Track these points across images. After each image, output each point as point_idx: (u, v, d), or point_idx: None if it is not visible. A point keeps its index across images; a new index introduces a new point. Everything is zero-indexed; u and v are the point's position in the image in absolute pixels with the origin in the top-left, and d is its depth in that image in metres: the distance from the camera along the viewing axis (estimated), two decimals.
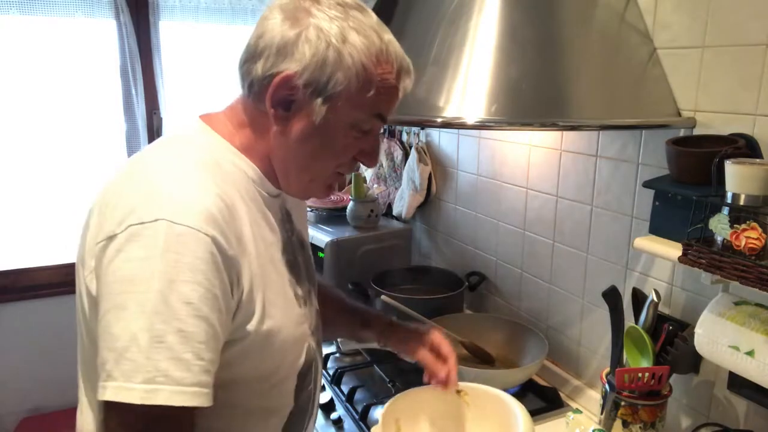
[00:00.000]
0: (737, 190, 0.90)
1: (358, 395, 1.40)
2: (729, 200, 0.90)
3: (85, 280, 0.70)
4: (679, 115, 1.11)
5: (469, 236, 1.84)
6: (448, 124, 1.05)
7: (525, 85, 1.03)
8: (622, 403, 1.11)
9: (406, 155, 2.08)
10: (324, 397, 1.40)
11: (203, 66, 2.36)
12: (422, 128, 1.99)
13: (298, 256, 0.90)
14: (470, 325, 1.58)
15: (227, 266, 0.69)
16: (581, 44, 1.10)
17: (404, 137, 2.12)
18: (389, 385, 1.43)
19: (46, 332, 2.32)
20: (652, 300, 1.12)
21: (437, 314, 1.56)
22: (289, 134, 0.77)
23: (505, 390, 1.08)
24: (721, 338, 0.94)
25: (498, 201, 1.68)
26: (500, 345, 1.54)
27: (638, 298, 1.18)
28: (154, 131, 2.33)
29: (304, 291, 0.89)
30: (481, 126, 1.03)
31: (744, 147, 0.97)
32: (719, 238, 0.91)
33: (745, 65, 1.00)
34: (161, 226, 0.65)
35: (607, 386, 1.15)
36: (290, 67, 0.72)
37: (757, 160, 0.95)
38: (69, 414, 0.86)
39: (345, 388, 1.43)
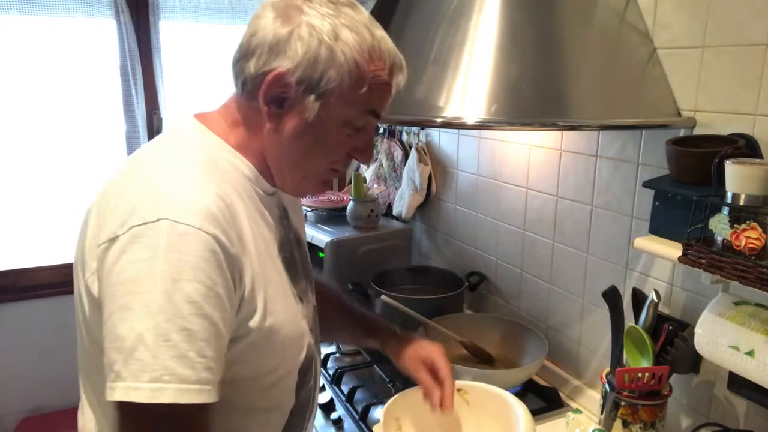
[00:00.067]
0: (737, 190, 0.90)
1: (358, 395, 1.40)
2: (729, 200, 0.91)
3: (86, 281, 0.70)
4: (679, 115, 1.11)
5: (469, 236, 1.84)
6: (448, 124, 1.05)
7: (525, 85, 1.03)
8: (622, 403, 1.11)
9: (406, 155, 2.08)
10: (324, 397, 1.40)
11: (203, 66, 2.36)
12: (422, 128, 1.99)
13: (295, 254, 0.90)
14: (470, 325, 1.58)
15: (230, 264, 0.69)
16: (581, 44, 1.10)
17: (404, 137, 2.12)
18: (389, 385, 1.43)
19: (46, 332, 2.32)
20: (652, 300, 1.12)
21: (437, 314, 1.55)
22: (282, 131, 0.77)
23: (506, 390, 1.08)
24: (721, 338, 0.94)
25: (498, 201, 1.68)
26: (500, 345, 1.54)
27: (638, 298, 1.18)
28: (154, 131, 2.33)
29: (302, 288, 0.89)
30: (481, 126, 1.03)
31: (744, 147, 0.97)
32: (719, 238, 0.91)
33: (745, 65, 1.00)
34: (164, 226, 0.65)
35: (607, 386, 1.15)
36: (283, 64, 0.73)
37: (757, 160, 0.95)
38: (69, 414, 0.86)
39: (345, 388, 1.43)
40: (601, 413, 1.16)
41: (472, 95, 1.01)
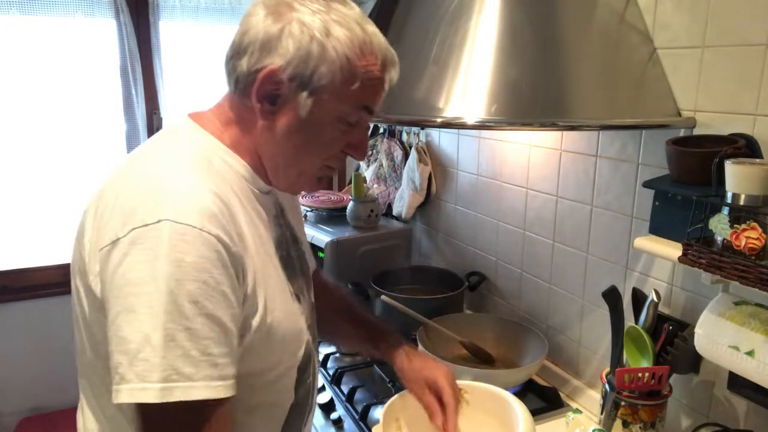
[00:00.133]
0: (737, 190, 0.90)
1: (358, 395, 1.40)
2: (729, 200, 0.91)
3: (90, 284, 0.70)
4: (679, 115, 1.11)
5: (469, 236, 1.84)
6: (448, 124, 1.05)
7: (525, 85, 1.03)
8: (622, 403, 1.11)
9: (406, 155, 2.08)
10: (324, 397, 1.40)
11: (203, 66, 2.37)
12: (422, 128, 1.99)
13: (291, 252, 0.90)
14: (470, 325, 1.58)
15: (233, 263, 0.70)
16: (581, 44, 1.10)
17: (404, 137, 2.12)
18: (389, 385, 1.43)
19: (46, 332, 2.32)
20: (652, 300, 1.12)
21: (437, 314, 1.55)
22: (275, 129, 0.77)
23: (506, 390, 1.08)
24: (721, 338, 0.94)
25: (498, 201, 1.68)
26: (500, 345, 1.54)
27: (638, 298, 1.18)
28: (153, 131, 2.33)
29: (299, 286, 0.89)
30: (481, 126, 1.03)
31: (744, 147, 0.97)
32: (719, 238, 0.91)
33: (745, 65, 1.00)
34: (165, 227, 0.65)
35: (607, 386, 1.15)
36: (274, 61, 0.73)
37: (757, 160, 0.95)
38: (69, 414, 0.86)
39: (345, 388, 1.43)
40: (601, 413, 1.16)
41: (472, 95, 1.01)
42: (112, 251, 0.67)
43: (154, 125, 2.34)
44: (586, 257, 1.39)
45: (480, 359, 1.49)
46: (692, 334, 1.01)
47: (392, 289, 1.71)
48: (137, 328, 0.64)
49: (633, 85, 1.11)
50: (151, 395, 0.63)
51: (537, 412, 1.31)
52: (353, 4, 0.78)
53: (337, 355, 1.63)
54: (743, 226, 0.87)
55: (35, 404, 2.37)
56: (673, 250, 0.99)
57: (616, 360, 1.15)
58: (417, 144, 2.00)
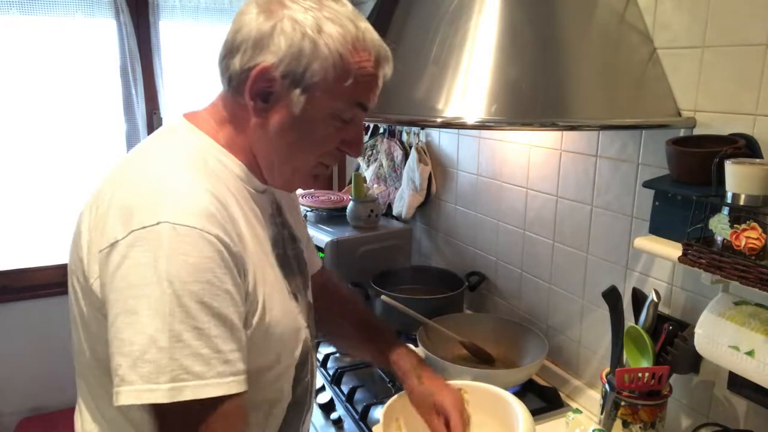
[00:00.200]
0: (737, 190, 0.90)
1: (358, 395, 1.40)
2: (729, 200, 0.90)
3: (91, 286, 0.70)
4: (679, 115, 1.11)
5: (469, 236, 1.84)
6: (448, 124, 1.05)
7: (525, 85, 1.03)
8: (622, 403, 1.11)
9: (406, 155, 2.08)
10: (324, 397, 1.40)
11: (203, 66, 2.37)
12: (422, 128, 1.99)
13: (288, 251, 0.90)
14: (470, 325, 1.58)
15: (234, 262, 0.70)
16: (581, 44, 1.10)
17: (404, 137, 2.12)
18: (389, 385, 1.43)
19: (46, 332, 2.32)
20: (652, 300, 1.12)
21: (437, 314, 1.55)
22: (268, 126, 0.77)
23: (506, 390, 1.08)
24: (721, 338, 0.94)
25: (498, 201, 1.68)
26: (500, 345, 1.54)
27: (638, 298, 1.18)
28: (153, 131, 2.33)
29: (296, 285, 0.90)
30: (481, 126, 1.03)
31: (744, 147, 0.97)
32: (719, 238, 0.91)
33: (745, 65, 1.00)
34: (164, 229, 0.65)
35: (607, 386, 1.15)
36: (267, 59, 0.73)
37: (757, 160, 0.95)
38: (69, 414, 0.86)
39: (345, 388, 1.43)
40: (601, 413, 1.16)
41: (472, 95, 1.01)
42: (111, 253, 0.67)
43: (154, 125, 2.34)
44: (586, 257, 1.39)
45: (480, 359, 1.49)
46: (692, 334, 1.01)
47: (392, 289, 1.71)
48: (140, 330, 0.64)
49: (633, 85, 1.11)
50: (160, 395, 0.63)
51: (537, 412, 1.31)
52: (345, 1, 0.78)
53: (337, 355, 1.62)
54: (743, 226, 0.87)
55: (35, 404, 2.37)
56: (673, 250, 0.99)
57: (616, 360, 1.15)
58: (417, 144, 2.00)
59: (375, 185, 2.26)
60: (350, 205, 2.02)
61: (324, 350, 1.62)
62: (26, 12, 2.10)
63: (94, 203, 0.74)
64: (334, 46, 0.73)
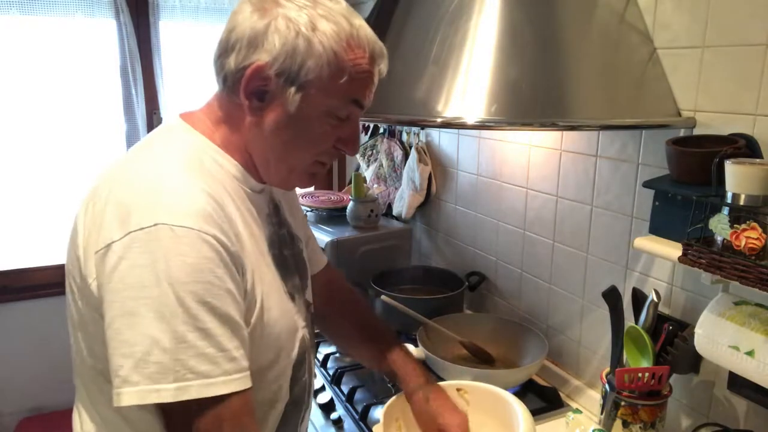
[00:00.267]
0: (737, 190, 0.90)
1: (358, 395, 1.40)
2: (729, 200, 0.90)
3: (89, 286, 0.70)
4: (679, 115, 1.11)
5: (469, 236, 1.84)
6: (448, 124, 1.05)
7: (525, 85, 1.03)
8: (622, 403, 1.11)
9: (406, 155, 2.08)
10: (324, 397, 1.40)
11: (203, 66, 2.37)
12: (422, 128, 1.99)
13: (285, 251, 0.90)
14: (470, 325, 1.58)
15: (233, 261, 0.70)
16: (581, 44, 1.10)
17: (404, 137, 2.12)
18: (389, 385, 1.43)
19: (46, 332, 2.32)
20: (652, 300, 1.12)
21: (437, 314, 1.56)
22: (264, 125, 0.77)
23: (506, 390, 1.08)
24: (721, 338, 0.94)
25: (498, 201, 1.68)
26: (500, 345, 1.54)
27: (638, 298, 1.18)
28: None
29: (293, 285, 0.89)
30: (481, 126, 1.03)
31: (744, 147, 0.97)
32: (719, 238, 0.91)
33: (745, 65, 1.00)
34: (161, 230, 0.65)
35: (607, 386, 1.15)
36: (261, 57, 0.73)
37: (757, 160, 0.95)
38: (69, 414, 0.86)
39: (345, 388, 1.43)
40: (601, 413, 1.16)
41: (472, 95, 1.01)
42: (108, 254, 0.67)
43: (154, 125, 2.34)
44: (586, 257, 1.39)
45: (480, 359, 1.49)
46: (692, 334, 1.01)
47: (392, 289, 1.71)
48: (141, 332, 0.64)
49: (633, 85, 1.11)
50: (166, 395, 0.64)
51: (537, 412, 1.31)
52: None
53: (337, 355, 1.62)
54: (743, 226, 0.87)
55: (35, 404, 2.37)
56: (673, 250, 0.99)
57: (616, 360, 1.15)
58: (417, 144, 2.00)
59: (375, 185, 2.26)
60: (350, 205, 2.02)
61: (324, 350, 1.62)
62: (26, 12, 2.10)
63: (90, 202, 0.74)
64: (328, 44, 0.73)
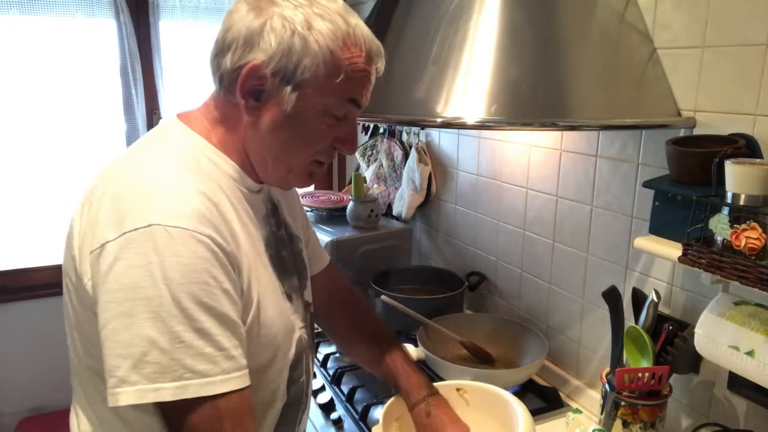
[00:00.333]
0: (737, 190, 0.90)
1: (358, 395, 1.40)
2: (729, 200, 0.90)
3: (84, 285, 0.70)
4: (679, 115, 1.11)
5: (469, 236, 1.84)
6: (448, 124, 1.05)
7: (525, 85, 1.03)
8: (622, 403, 1.11)
9: (406, 155, 2.08)
10: (324, 397, 1.40)
11: (203, 66, 2.36)
12: (422, 128, 1.99)
13: (283, 251, 0.90)
14: (470, 325, 1.58)
15: (229, 261, 0.71)
16: (581, 44, 1.10)
17: (404, 137, 2.12)
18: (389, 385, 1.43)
19: (46, 332, 2.32)
20: (652, 300, 1.12)
21: (437, 314, 1.55)
22: (260, 125, 0.77)
23: (506, 390, 1.08)
24: (721, 338, 0.94)
25: (498, 201, 1.68)
26: (500, 345, 1.54)
27: (638, 298, 1.18)
28: None
29: (291, 285, 0.89)
30: (481, 126, 1.03)
31: (744, 147, 0.97)
32: (719, 238, 0.91)
33: (745, 65, 1.00)
34: (156, 231, 0.65)
35: (607, 386, 1.15)
36: (257, 57, 0.73)
37: (757, 160, 0.95)
38: (69, 414, 0.86)
39: (345, 388, 1.43)
40: (601, 413, 1.16)
41: (472, 95, 1.01)
42: (103, 254, 0.67)
43: (154, 125, 2.31)
44: (586, 257, 1.39)
45: (480, 359, 1.49)
46: (692, 334, 1.01)
47: (392, 289, 1.71)
48: (138, 333, 0.64)
49: (633, 85, 1.11)
50: (164, 394, 0.64)
51: (537, 412, 1.31)
52: None
53: (337, 355, 1.62)
54: (743, 226, 0.87)
55: (35, 404, 2.37)
56: (673, 250, 0.99)
57: (616, 360, 1.15)
58: (417, 144, 2.00)
59: (375, 185, 2.26)
60: (350, 205, 2.02)
61: (324, 350, 1.62)
62: (26, 12, 2.10)
63: (86, 202, 0.74)
64: (324, 43, 0.73)
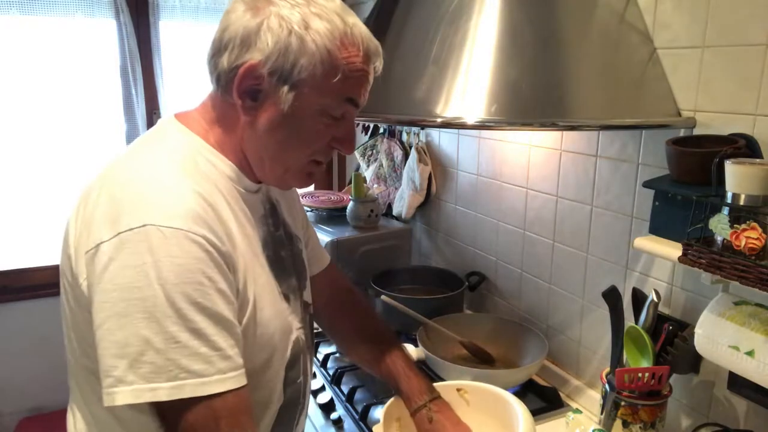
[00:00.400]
0: (737, 190, 0.90)
1: (358, 395, 1.40)
2: (729, 200, 0.90)
3: (80, 285, 0.70)
4: (679, 115, 1.11)
5: (469, 236, 1.84)
6: (448, 124, 1.05)
7: (525, 85, 1.03)
8: (622, 403, 1.11)
9: (406, 155, 2.08)
10: (324, 397, 1.40)
11: (203, 66, 2.36)
12: (422, 128, 1.99)
13: (281, 252, 0.89)
14: (470, 325, 1.58)
15: (224, 261, 0.70)
16: (581, 44, 1.10)
17: (404, 137, 2.12)
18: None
19: (46, 332, 2.32)
20: (652, 300, 1.12)
21: (437, 314, 1.55)
22: (257, 124, 0.77)
23: (506, 390, 1.08)
24: (721, 338, 0.94)
25: (498, 201, 1.68)
26: (500, 345, 1.54)
27: (638, 298, 1.18)
28: None
29: (289, 286, 0.89)
30: (481, 126, 1.03)
31: (744, 147, 0.97)
32: (719, 238, 0.91)
33: (745, 65, 1.00)
34: (150, 232, 0.65)
35: (607, 386, 1.15)
36: (254, 56, 0.73)
37: (757, 160, 0.95)
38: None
39: (345, 388, 1.43)
40: (601, 413, 1.16)
41: (472, 95, 1.01)
42: (98, 255, 0.67)
43: (153, 125, 2.33)
44: (586, 257, 1.39)
45: (480, 359, 1.49)
46: (692, 334, 1.01)
47: (392, 289, 1.71)
48: (133, 333, 0.64)
49: (633, 85, 1.11)
50: (160, 394, 0.64)
51: (537, 412, 1.31)
52: None
53: (337, 355, 1.62)
54: (743, 226, 0.87)
55: (35, 404, 2.37)
56: (673, 250, 0.99)
57: (616, 360, 1.15)
58: (417, 144, 2.00)
59: (375, 185, 2.26)
60: (350, 205, 2.02)
61: (324, 350, 1.62)
62: (26, 12, 2.10)
63: (82, 202, 0.74)
64: (321, 42, 0.73)
